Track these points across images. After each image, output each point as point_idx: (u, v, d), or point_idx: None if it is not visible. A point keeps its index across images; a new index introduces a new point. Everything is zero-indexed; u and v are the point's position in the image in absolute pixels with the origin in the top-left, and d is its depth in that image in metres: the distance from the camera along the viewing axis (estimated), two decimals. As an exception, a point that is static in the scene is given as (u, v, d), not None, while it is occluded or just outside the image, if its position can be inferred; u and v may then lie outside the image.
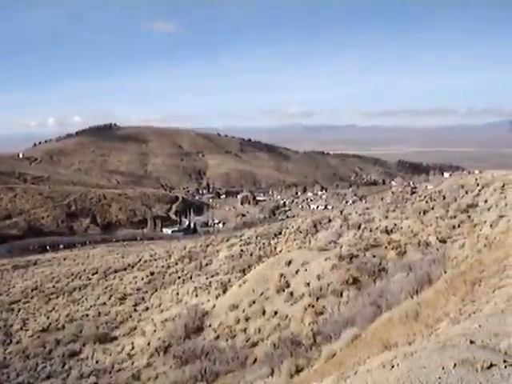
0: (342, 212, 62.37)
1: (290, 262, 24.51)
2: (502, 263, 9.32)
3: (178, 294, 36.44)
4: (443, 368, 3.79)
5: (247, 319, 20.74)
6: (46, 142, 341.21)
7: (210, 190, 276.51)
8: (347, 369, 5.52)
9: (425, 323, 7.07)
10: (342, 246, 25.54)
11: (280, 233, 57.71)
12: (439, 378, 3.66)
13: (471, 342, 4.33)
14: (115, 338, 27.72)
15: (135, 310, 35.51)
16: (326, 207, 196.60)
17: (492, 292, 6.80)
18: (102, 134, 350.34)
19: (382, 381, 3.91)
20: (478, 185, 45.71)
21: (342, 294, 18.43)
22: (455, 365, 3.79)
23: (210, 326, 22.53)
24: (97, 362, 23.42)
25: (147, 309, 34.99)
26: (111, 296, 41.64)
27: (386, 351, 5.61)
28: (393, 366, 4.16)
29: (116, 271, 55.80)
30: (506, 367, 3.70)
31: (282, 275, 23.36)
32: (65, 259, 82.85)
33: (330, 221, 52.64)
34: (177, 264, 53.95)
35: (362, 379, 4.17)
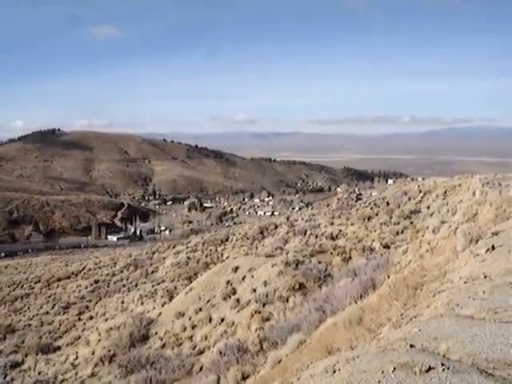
0: (288, 218, 62.95)
1: (236, 269, 24.55)
2: (442, 268, 9.54)
3: (123, 302, 36.02)
4: (383, 372, 3.86)
5: (193, 327, 20.65)
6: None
7: (157, 197, 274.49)
8: (291, 374, 5.56)
9: (367, 328, 7.17)
10: (288, 253, 25.71)
11: (227, 239, 57.77)
12: (379, 381, 3.72)
13: (411, 345, 4.43)
14: (58, 348, 27.16)
15: (79, 319, 34.91)
16: (272, 213, 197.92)
17: (433, 296, 6.95)
18: (46, 139, 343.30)
19: (323, 386, 3.96)
20: (420, 191, 46.89)
21: (288, 300, 18.52)
22: (394, 368, 3.86)
23: (155, 334, 22.35)
24: (39, 373, 22.84)
25: (91, 318, 34.46)
26: (54, 305, 40.83)
27: (330, 356, 5.68)
28: (334, 371, 4.22)
29: (59, 280, 54.71)
30: (443, 370, 3.79)
31: (228, 282, 23.37)
32: (6, 267, 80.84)
33: (276, 227, 53.02)
34: (122, 272, 53.37)
35: (305, 385, 4.22)
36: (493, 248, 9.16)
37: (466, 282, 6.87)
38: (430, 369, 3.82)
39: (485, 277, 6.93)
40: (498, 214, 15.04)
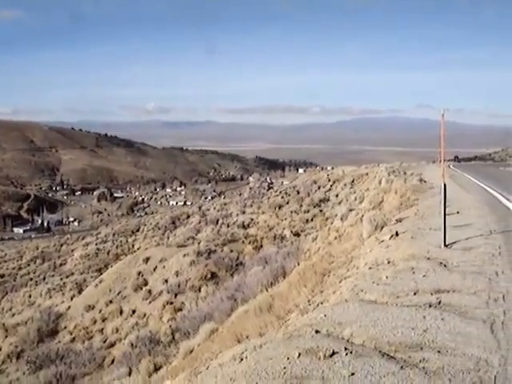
0: (200, 208, 62.98)
1: (147, 260, 24.38)
2: (349, 254, 9.85)
3: (30, 296, 34.99)
4: (288, 358, 3.94)
5: (104, 319, 20.37)
6: None
7: (65, 187, 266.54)
8: (200, 364, 5.58)
9: (277, 315, 7.30)
10: (200, 242, 25.75)
11: (138, 230, 57.22)
12: (284, 368, 3.80)
13: (316, 331, 4.54)
14: (-39, 347, 26.05)
15: (-17, 315, 33.59)
16: (185, 203, 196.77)
17: (339, 282, 7.15)
18: None
19: (230, 374, 3.99)
20: (329, 180, 48.05)
21: (200, 290, 18.62)
22: (299, 354, 3.95)
23: (65, 328, 21.87)
24: None
25: (-3, 313, 33.25)
26: (-44, 302, 39.06)
27: (239, 344, 5.74)
28: (242, 359, 4.27)
29: (-39, 275, 52.40)
30: (346, 354, 3.92)
31: (139, 273, 23.18)
32: None
33: (188, 217, 52.92)
34: (29, 265, 51.85)
35: (213, 374, 4.24)
36: (397, 234, 9.55)
37: (370, 268, 7.11)
38: (333, 353, 3.93)
39: (388, 262, 7.21)
40: (403, 202, 15.67)
